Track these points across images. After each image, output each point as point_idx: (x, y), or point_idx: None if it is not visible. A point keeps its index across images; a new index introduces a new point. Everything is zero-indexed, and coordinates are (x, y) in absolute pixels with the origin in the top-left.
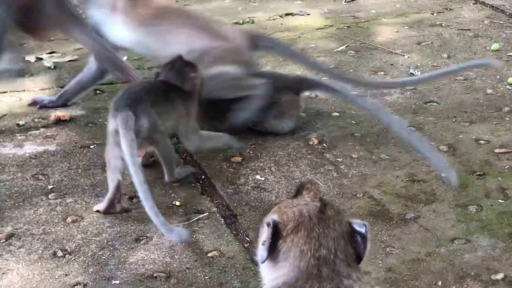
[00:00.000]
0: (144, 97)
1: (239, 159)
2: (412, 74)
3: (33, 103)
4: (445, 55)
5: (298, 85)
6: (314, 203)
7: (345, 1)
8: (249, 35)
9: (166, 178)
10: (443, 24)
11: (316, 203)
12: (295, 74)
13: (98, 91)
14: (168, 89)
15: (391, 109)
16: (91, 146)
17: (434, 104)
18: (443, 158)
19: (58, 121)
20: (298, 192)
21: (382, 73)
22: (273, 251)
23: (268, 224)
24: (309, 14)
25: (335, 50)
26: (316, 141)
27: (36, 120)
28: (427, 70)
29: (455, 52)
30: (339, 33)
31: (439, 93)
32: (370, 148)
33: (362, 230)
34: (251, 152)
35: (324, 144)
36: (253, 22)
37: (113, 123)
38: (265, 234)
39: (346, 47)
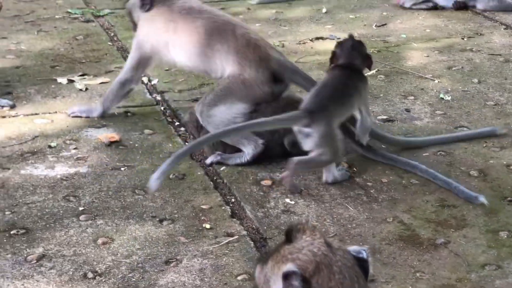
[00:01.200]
0: (329, 104)
1: (269, 182)
2: (442, 99)
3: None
4: (475, 80)
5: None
6: (318, 240)
7: (375, 26)
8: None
9: (324, 178)
10: (473, 49)
11: (320, 239)
12: None
13: (129, 114)
14: (350, 79)
15: (420, 133)
16: (122, 168)
17: (465, 129)
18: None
19: (110, 144)
20: (288, 237)
21: (412, 97)
22: None
23: (287, 276)
24: (339, 38)
25: (366, 74)
26: (346, 165)
27: (68, 142)
28: (457, 95)
29: (486, 77)
30: None
31: (470, 118)
32: (400, 172)
33: (362, 255)
34: (280, 176)
35: (354, 168)
36: (283, 46)
37: (295, 123)
38: (280, 286)
39: (376, 71)
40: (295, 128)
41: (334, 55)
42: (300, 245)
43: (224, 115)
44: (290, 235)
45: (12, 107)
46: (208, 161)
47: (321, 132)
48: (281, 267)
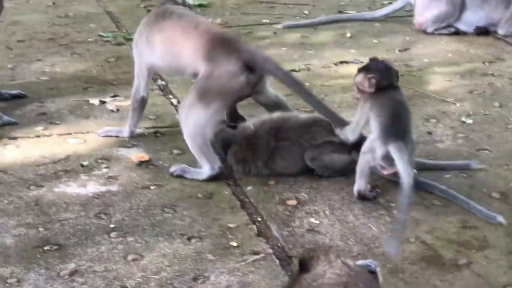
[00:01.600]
0: (409, 126)
1: (294, 202)
2: (464, 122)
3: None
4: (497, 104)
5: None
6: (335, 262)
7: (398, 50)
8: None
9: (357, 187)
10: (495, 74)
11: (337, 262)
12: None
13: (158, 134)
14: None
15: (443, 155)
16: (151, 187)
17: (486, 152)
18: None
19: (141, 163)
20: (303, 266)
21: (434, 120)
22: None
23: None
24: (362, 62)
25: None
26: (369, 186)
27: (99, 161)
28: (479, 118)
29: (507, 101)
30: None
31: (491, 141)
32: (422, 193)
33: (371, 268)
34: (305, 196)
35: (377, 189)
36: (309, 70)
37: (383, 150)
38: None
39: None
40: (382, 154)
41: (371, 79)
42: (320, 270)
43: (201, 115)
44: (304, 264)
45: (14, 123)
46: (172, 169)
47: (411, 150)
48: None
